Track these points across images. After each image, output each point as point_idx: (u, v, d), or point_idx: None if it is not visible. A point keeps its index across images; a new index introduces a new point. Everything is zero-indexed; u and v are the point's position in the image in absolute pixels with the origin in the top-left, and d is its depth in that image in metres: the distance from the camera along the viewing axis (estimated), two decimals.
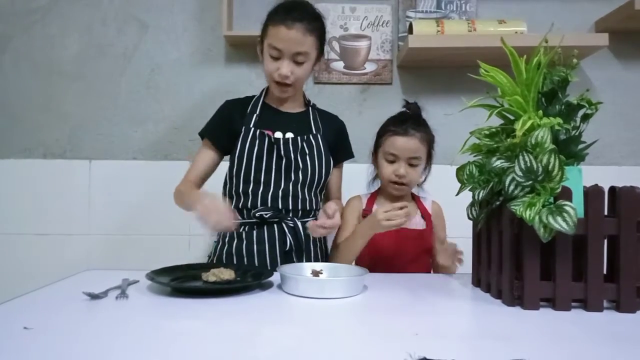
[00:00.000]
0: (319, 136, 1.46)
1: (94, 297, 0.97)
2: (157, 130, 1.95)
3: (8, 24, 1.95)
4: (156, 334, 0.78)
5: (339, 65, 1.96)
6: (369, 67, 1.96)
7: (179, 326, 0.82)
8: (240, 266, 1.28)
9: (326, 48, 1.50)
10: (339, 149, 1.51)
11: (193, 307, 0.94)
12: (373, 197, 1.43)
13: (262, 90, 1.50)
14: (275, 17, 1.34)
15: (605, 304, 0.94)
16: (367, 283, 1.10)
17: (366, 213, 1.40)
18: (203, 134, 1.48)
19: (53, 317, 0.86)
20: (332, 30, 1.95)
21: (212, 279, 1.08)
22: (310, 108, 1.51)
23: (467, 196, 1.08)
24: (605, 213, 0.96)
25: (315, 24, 1.36)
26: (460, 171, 1.09)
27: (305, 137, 1.43)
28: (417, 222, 1.40)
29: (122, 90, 1.96)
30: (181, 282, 1.10)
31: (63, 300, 0.96)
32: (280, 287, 1.08)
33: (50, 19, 1.95)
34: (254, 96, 1.50)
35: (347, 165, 1.91)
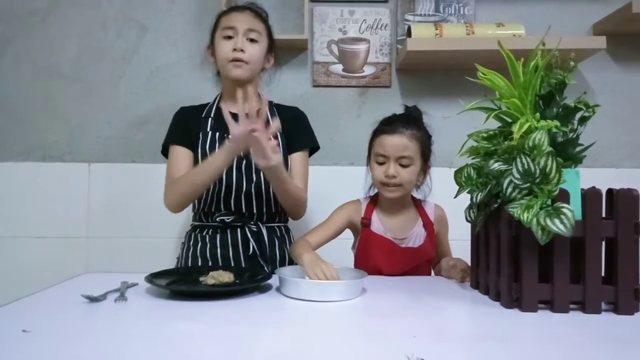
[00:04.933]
0: (278, 134, 1.44)
1: (92, 300, 0.97)
2: (157, 133, 1.95)
3: (7, 26, 1.95)
4: (155, 337, 0.78)
5: (338, 68, 1.96)
6: (368, 70, 1.97)
7: (178, 329, 0.82)
8: (239, 269, 1.28)
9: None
10: (297, 136, 1.48)
11: (192, 309, 0.94)
12: (372, 204, 1.39)
13: (216, 97, 1.51)
14: (224, 12, 1.47)
15: (603, 306, 0.94)
16: (365, 286, 1.11)
17: (365, 222, 1.35)
18: (169, 143, 1.45)
19: (52, 320, 0.86)
20: (331, 33, 1.96)
21: (210, 281, 1.08)
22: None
23: (465, 198, 1.08)
24: (603, 215, 0.96)
25: (263, 14, 1.48)
26: (458, 174, 1.09)
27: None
28: (417, 233, 1.35)
29: (122, 93, 1.96)
30: (180, 284, 1.10)
31: (62, 303, 0.96)
32: (278, 289, 1.09)
33: (50, 22, 1.96)
34: (207, 103, 1.50)
35: (345, 168, 1.93)
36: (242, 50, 1.37)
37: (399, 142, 1.29)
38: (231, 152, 1.26)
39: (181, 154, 1.42)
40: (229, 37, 1.39)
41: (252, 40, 1.40)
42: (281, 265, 1.42)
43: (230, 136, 1.24)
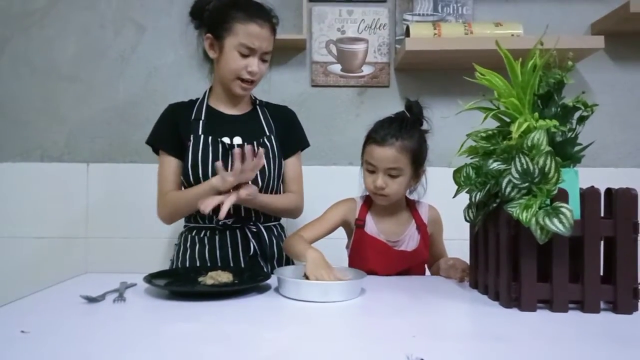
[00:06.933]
0: (272, 137, 1.43)
1: (91, 300, 0.96)
2: None
3: (5, 26, 1.95)
4: (154, 337, 0.78)
5: (337, 68, 1.96)
6: (367, 70, 1.97)
7: (177, 329, 0.82)
8: (238, 269, 1.28)
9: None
10: (291, 138, 1.47)
11: (190, 310, 0.94)
12: (366, 205, 1.37)
13: (205, 93, 1.47)
14: (242, 15, 1.33)
15: (602, 305, 0.94)
16: (364, 286, 1.11)
17: (359, 223, 1.34)
18: (153, 144, 1.44)
19: (50, 320, 0.85)
20: (330, 33, 1.96)
21: (209, 282, 1.08)
22: (257, 107, 1.49)
23: (464, 198, 1.09)
24: (602, 214, 0.96)
25: (276, 23, 1.41)
26: (457, 173, 1.09)
27: (260, 140, 1.41)
28: (410, 235, 1.34)
29: (120, 93, 1.96)
30: (179, 285, 1.10)
31: (61, 304, 0.96)
32: (277, 290, 1.08)
33: (48, 21, 1.95)
34: (197, 99, 1.47)
35: (344, 168, 1.93)
36: (256, 73, 1.36)
37: (388, 155, 1.26)
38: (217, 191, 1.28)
39: (170, 165, 1.40)
40: (245, 56, 1.34)
41: (264, 60, 1.38)
42: (279, 264, 1.42)
43: (221, 182, 1.25)
